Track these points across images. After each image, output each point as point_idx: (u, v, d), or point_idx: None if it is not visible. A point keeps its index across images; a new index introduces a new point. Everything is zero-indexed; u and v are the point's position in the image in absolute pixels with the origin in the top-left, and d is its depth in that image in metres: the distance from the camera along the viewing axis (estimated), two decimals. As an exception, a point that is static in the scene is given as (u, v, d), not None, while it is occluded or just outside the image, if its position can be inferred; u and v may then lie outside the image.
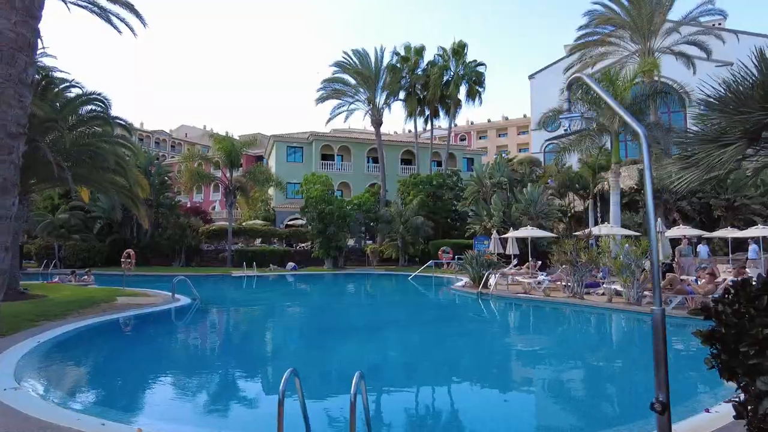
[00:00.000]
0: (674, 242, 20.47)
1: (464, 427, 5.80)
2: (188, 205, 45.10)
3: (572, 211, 35.88)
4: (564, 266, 17.11)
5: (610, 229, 18.04)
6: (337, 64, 37.41)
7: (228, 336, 12.02)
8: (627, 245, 13.45)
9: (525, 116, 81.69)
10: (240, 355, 9.60)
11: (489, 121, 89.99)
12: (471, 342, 11.11)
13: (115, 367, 8.38)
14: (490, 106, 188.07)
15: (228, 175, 34.35)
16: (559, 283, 17.85)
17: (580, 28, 32.76)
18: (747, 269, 19.47)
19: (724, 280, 13.69)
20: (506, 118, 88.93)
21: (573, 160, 38.55)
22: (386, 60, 38.21)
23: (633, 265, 13.42)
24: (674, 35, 32.36)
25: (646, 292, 13.63)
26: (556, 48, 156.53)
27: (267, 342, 11.28)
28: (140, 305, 13.71)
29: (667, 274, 14.64)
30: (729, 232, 22.31)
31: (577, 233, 17.77)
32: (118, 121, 17.59)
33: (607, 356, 9.69)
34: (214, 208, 57.56)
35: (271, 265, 31.75)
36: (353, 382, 4.02)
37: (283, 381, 4.02)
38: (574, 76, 5.24)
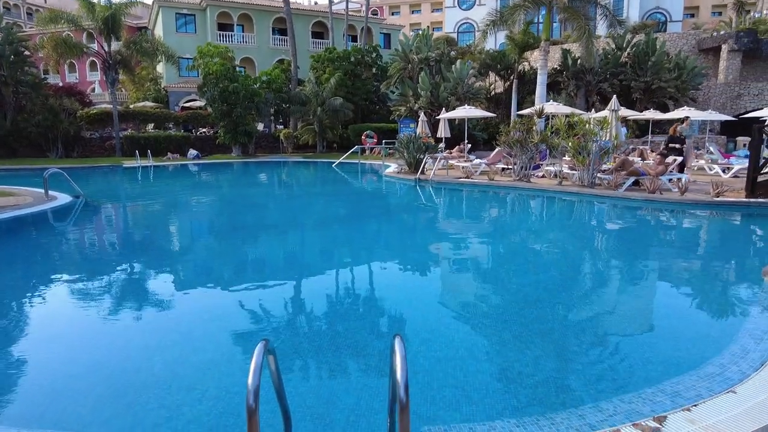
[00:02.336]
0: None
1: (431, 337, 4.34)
2: (60, 86, 37.74)
3: (493, 92, 34.79)
4: (502, 147, 15.99)
5: (556, 107, 16.92)
6: None
7: (127, 242, 9.41)
8: (591, 125, 12.29)
9: (439, -9, 76.92)
10: (145, 267, 7.34)
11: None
12: (429, 235, 9.66)
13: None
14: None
15: (105, 46, 28.30)
16: (494, 166, 16.86)
17: None
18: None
19: (674, 161, 13.30)
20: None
21: (490, 43, 36.68)
22: None
23: (590, 145, 12.42)
24: None
25: (599, 174, 12.89)
26: None
27: (176, 248, 8.95)
28: (0, 208, 10.52)
29: (628, 156, 13.96)
30: (652, 114, 22.43)
31: (521, 112, 16.48)
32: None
33: (575, 242, 8.72)
34: (93, 89, 49.32)
35: (169, 153, 27.86)
36: (395, 348, 2.16)
37: (252, 370, 2.05)
38: None
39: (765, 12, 50.15)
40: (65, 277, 6.91)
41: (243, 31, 41.12)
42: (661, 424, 2.78)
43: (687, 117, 15.32)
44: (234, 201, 14.46)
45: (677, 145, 13.69)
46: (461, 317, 5.17)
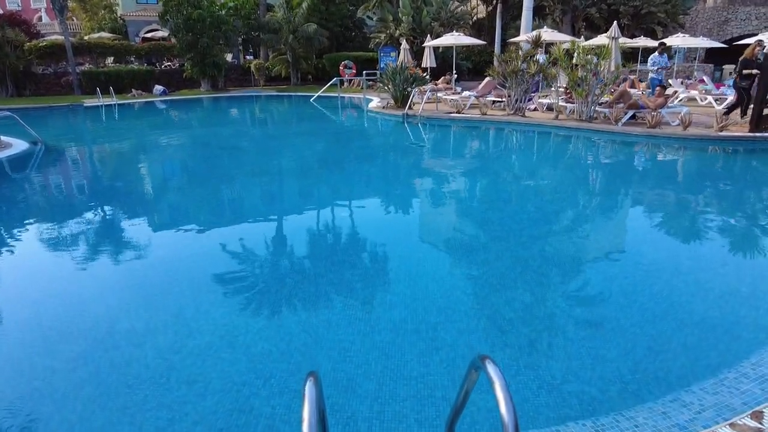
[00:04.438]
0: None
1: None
2: (0, 13, 34.27)
3: (475, 17, 33.11)
4: (493, 78, 15.14)
5: (552, 35, 15.90)
6: None
7: (98, 197, 8.50)
8: (590, 55, 11.50)
9: None
10: (122, 228, 6.61)
11: None
12: (431, 180, 9.06)
13: None
14: None
15: (48, -33, 25.38)
16: (484, 98, 16.04)
17: None
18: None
19: (675, 92, 12.74)
20: None
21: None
22: None
23: (589, 77, 11.71)
24: None
25: (598, 108, 12.28)
26: None
27: (154, 202, 8.10)
28: (-54, 158, 9.42)
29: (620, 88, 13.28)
30: (645, 41, 21.53)
31: (514, 39, 15.42)
32: None
33: (593, 185, 8.29)
34: (40, 18, 45.10)
35: (133, 90, 25.94)
36: (492, 375, 1.63)
37: (306, 422, 1.49)
38: None
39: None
40: (29, 243, 6.13)
41: (203, -50, 37.43)
42: (760, 422, 2.39)
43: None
44: (209, 143, 13.32)
45: (754, 71, 10.58)
46: (481, 277, 4.72)
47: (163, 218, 7.03)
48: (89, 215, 7.17)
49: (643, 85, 17.89)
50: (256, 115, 20.64)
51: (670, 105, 12.41)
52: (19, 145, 10.97)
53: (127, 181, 9.25)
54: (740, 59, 10.96)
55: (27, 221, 6.91)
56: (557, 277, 4.58)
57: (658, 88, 12.71)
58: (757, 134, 10.06)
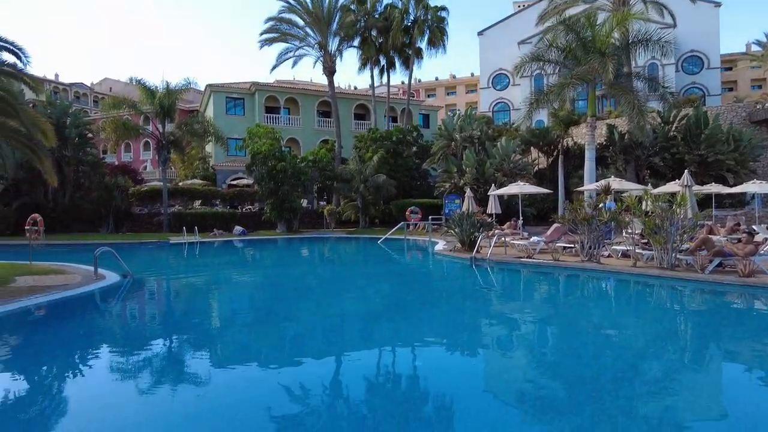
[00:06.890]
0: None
1: None
2: (116, 164, 39.81)
3: (536, 168, 34.34)
4: (562, 224, 15.09)
5: (620, 183, 16.08)
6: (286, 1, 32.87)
7: (180, 333, 8.63)
8: (664, 202, 11.38)
9: (473, 75, 79.70)
10: (194, 371, 6.60)
11: (437, 79, 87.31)
12: (513, 330, 8.62)
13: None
14: (437, 64, 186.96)
15: (160, 128, 29.75)
16: (553, 244, 15.86)
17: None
18: (742, 225, 18.38)
19: (765, 239, 12.07)
20: (454, 77, 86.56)
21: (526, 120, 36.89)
22: (341, 1, 34.07)
23: (667, 224, 11.41)
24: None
25: (680, 255, 11.73)
26: (505, 4, 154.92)
27: (223, 336, 8.15)
28: (49, 288, 10.19)
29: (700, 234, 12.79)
30: (718, 188, 21.24)
31: (580, 188, 15.71)
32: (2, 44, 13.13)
33: (698, 344, 7.54)
34: (145, 168, 51.87)
35: (215, 229, 28.12)
36: None
37: None
38: None
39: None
40: (97, 368, 6.19)
41: (289, 114, 42.86)
42: None
43: None
44: (281, 282, 13.69)
45: None
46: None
47: (228, 353, 6.99)
48: (158, 346, 7.33)
49: (723, 229, 17.14)
50: (326, 255, 21.39)
51: (761, 252, 11.66)
52: (111, 278, 11.80)
53: (199, 316, 9.59)
54: None
55: (103, 348, 7.12)
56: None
57: (745, 235, 12.12)
58: None
